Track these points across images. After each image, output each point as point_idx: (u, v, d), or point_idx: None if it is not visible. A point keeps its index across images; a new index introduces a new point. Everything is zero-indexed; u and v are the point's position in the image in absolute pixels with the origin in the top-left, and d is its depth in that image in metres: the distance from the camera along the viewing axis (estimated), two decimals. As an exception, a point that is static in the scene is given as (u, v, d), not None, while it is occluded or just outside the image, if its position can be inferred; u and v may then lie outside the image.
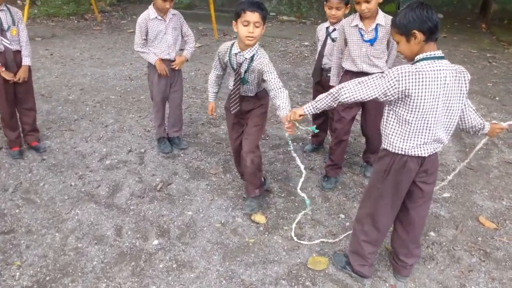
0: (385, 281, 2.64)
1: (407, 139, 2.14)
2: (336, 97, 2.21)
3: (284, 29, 9.33)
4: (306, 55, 7.54)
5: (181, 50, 3.89)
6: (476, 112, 2.31)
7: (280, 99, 2.68)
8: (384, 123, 2.23)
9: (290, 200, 3.41)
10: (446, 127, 2.16)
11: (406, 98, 2.03)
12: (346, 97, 2.17)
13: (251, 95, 3.00)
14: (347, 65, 3.32)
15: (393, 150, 2.20)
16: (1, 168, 3.70)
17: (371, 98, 2.11)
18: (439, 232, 3.08)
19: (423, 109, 2.03)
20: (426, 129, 2.10)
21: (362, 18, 3.15)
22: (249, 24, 2.60)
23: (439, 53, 2.04)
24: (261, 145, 4.26)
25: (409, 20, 2.01)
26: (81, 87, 5.60)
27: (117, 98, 5.31)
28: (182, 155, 4.02)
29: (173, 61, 3.81)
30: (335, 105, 2.26)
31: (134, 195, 3.41)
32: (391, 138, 2.19)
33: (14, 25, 3.52)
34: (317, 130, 2.61)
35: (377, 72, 3.21)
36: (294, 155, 2.74)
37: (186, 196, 3.42)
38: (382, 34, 3.15)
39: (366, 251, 2.51)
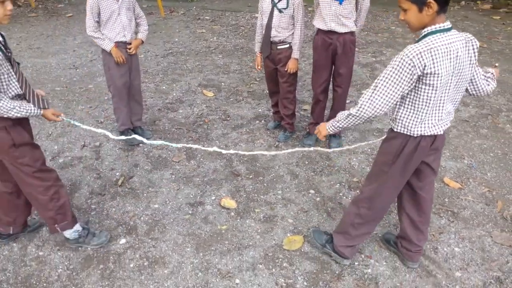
0: (360, 252, 2.65)
1: (423, 121, 1.99)
2: (359, 116, 2.01)
3: (233, 1, 9.07)
4: (258, 27, 7.36)
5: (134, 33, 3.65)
6: (486, 79, 2.14)
7: None
8: (398, 107, 2.04)
9: (259, 181, 3.34)
10: (453, 100, 2.03)
11: (423, 79, 1.85)
12: (372, 113, 1.96)
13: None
14: (318, 24, 3.40)
15: (409, 133, 2.04)
16: None
17: (397, 99, 1.91)
18: (408, 197, 3.13)
19: (439, 87, 1.87)
20: (440, 106, 1.96)
21: None
22: (7, 0, 2.11)
23: (447, 24, 1.85)
24: (223, 126, 4.14)
25: None
26: (22, 81, 5.19)
27: (63, 90, 4.97)
28: (140, 145, 3.82)
29: (129, 43, 3.56)
30: (361, 123, 2.09)
31: (94, 193, 3.22)
32: (405, 121, 2.02)
33: None
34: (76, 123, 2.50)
35: (345, 32, 3.28)
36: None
37: (150, 189, 3.26)
38: None
39: (360, 231, 2.42)
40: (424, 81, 1.86)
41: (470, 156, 3.61)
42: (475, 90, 2.14)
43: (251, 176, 3.40)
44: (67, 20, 7.82)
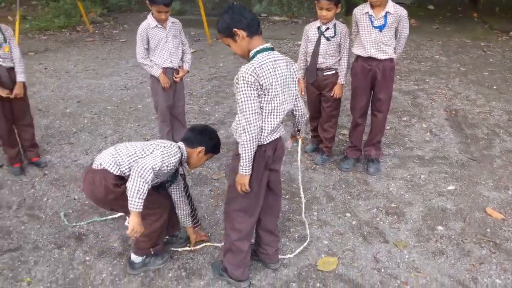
0: (395, 277, 2.62)
1: (264, 130, 2.23)
2: (250, 139, 2.16)
3: (277, 30, 9.31)
4: (301, 54, 7.52)
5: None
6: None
7: None
8: (237, 122, 2.25)
9: (295, 201, 3.40)
10: (283, 112, 2.28)
11: (261, 91, 2.15)
12: (255, 130, 2.16)
13: None
14: (358, 51, 3.49)
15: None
16: (3, 186, 3.67)
17: (258, 111, 2.15)
18: (447, 226, 3.08)
19: (273, 97, 2.18)
20: (275, 115, 2.22)
21: (372, 6, 3.31)
22: None
23: (268, 45, 2.21)
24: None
25: (226, 22, 2.18)
26: (78, 100, 5.57)
27: (114, 109, 5.29)
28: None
29: (176, 69, 3.81)
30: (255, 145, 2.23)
31: (138, 205, 3.39)
32: None
33: (6, 42, 3.50)
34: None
35: (385, 59, 3.36)
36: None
37: (190, 204, 3.40)
38: (390, 21, 3.31)
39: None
40: (262, 94, 2.15)
41: (514, 187, 3.51)
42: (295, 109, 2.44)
43: (287, 197, 3.46)
44: (120, 45, 8.32)
